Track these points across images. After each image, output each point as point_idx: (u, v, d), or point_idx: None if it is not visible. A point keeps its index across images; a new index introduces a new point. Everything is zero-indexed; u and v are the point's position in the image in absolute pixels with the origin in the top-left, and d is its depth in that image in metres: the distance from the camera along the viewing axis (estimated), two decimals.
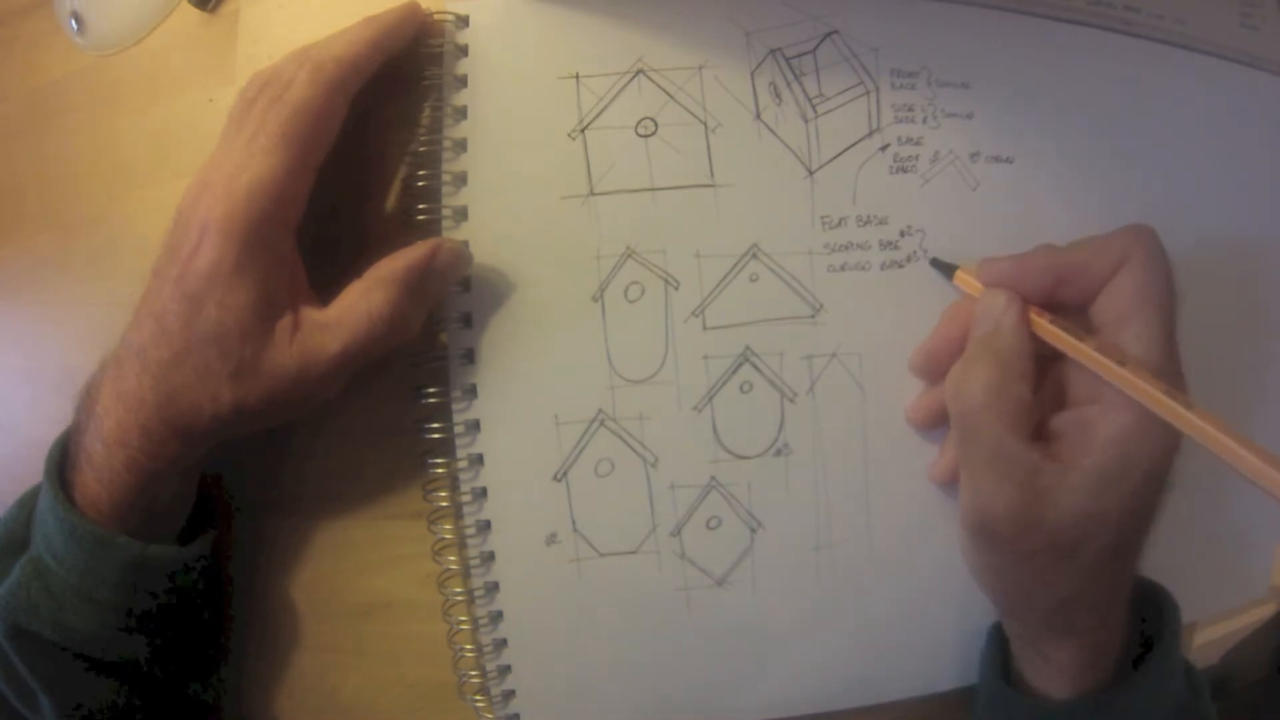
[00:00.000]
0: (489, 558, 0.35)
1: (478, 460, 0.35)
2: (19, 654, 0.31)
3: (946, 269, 0.34)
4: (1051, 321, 0.30)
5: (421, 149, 0.35)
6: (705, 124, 0.34)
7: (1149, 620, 0.33)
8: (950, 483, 0.35)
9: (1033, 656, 0.32)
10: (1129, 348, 0.29)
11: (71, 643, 0.31)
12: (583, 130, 0.34)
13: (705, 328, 0.34)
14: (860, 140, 0.35)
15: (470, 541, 0.35)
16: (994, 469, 0.29)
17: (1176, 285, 0.30)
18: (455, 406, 0.34)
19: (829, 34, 0.35)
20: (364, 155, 0.35)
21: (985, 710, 0.34)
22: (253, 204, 0.29)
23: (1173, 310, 0.30)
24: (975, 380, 0.29)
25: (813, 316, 0.35)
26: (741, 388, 0.35)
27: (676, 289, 0.34)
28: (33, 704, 0.33)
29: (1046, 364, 0.31)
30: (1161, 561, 0.32)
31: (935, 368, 0.33)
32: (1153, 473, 0.29)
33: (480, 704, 0.36)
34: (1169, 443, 0.29)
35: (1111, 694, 0.31)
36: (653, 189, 0.34)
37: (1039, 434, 0.30)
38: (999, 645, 0.34)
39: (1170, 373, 0.29)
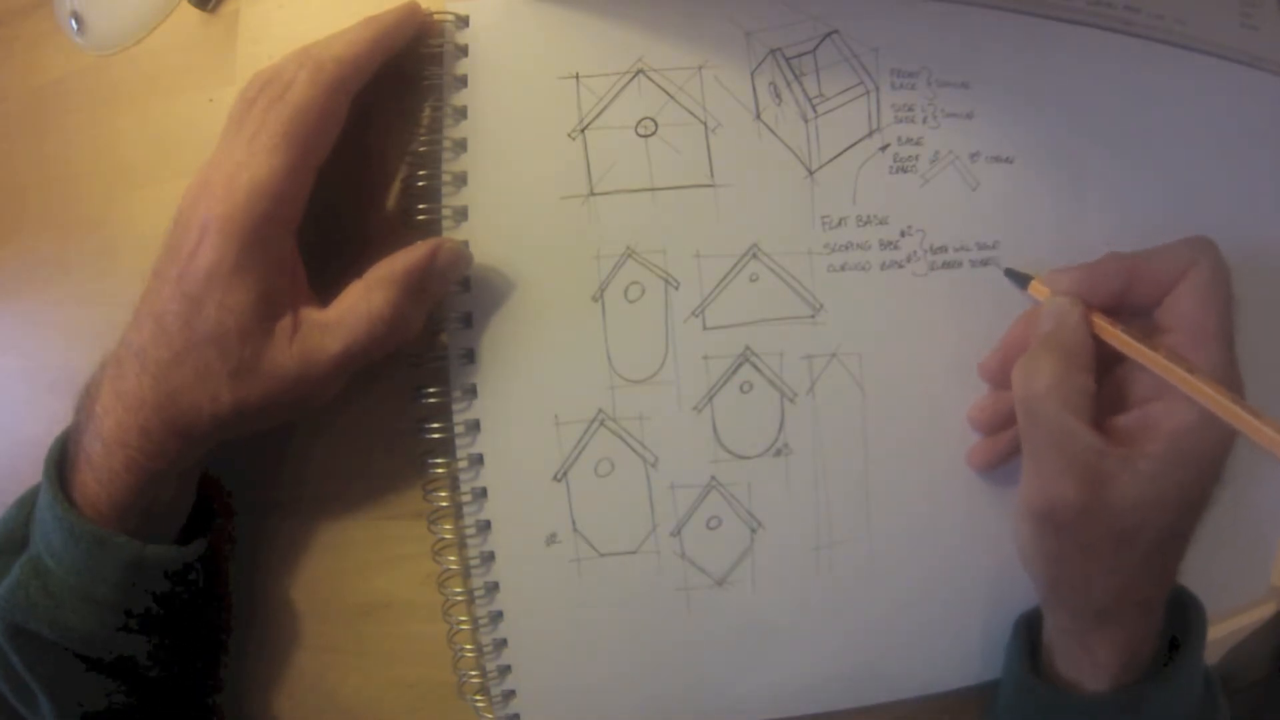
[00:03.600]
0: (489, 558, 0.35)
1: (478, 460, 0.34)
2: (18, 653, 0.31)
3: (1021, 279, 0.34)
4: (1120, 341, 0.31)
5: (421, 149, 0.35)
6: (705, 124, 0.34)
7: (1176, 621, 0.33)
8: (985, 469, 0.35)
9: (1073, 649, 0.32)
10: (1193, 353, 0.30)
11: (70, 642, 0.31)
12: (583, 130, 0.34)
13: (705, 328, 0.34)
14: (860, 140, 0.35)
15: (470, 541, 0.35)
16: (1059, 452, 0.30)
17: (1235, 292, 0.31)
18: (455, 406, 0.34)
19: (829, 34, 0.35)
20: (364, 155, 0.35)
21: (1011, 704, 0.34)
22: (253, 204, 0.29)
23: (1231, 317, 0.31)
24: (1040, 369, 0.30)
25: (813, 316, 0.35)
26: (741, 388, 0.35)
27: (676, 289, 0.34)
28: (31, 703, 0.33)
29: (1109, 368, 0.32)
30: None
31: (1008, 372, 0.33)
32: (1211, 465, 0.30)
33: (480, 704, 0.36)
34: (1227, 439, 0.30)
35: (1144, 688, 0.31)
36: (653, 189, 0.34)
37: (1103, 429, 0.31)
38: (1026, 636, 0.35)
39: (1232, 377, 0.30)
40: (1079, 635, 0.32)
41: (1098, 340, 0.31)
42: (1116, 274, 0.32)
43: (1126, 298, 0.32)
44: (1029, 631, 0.35)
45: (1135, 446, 0.30)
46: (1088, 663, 0.32)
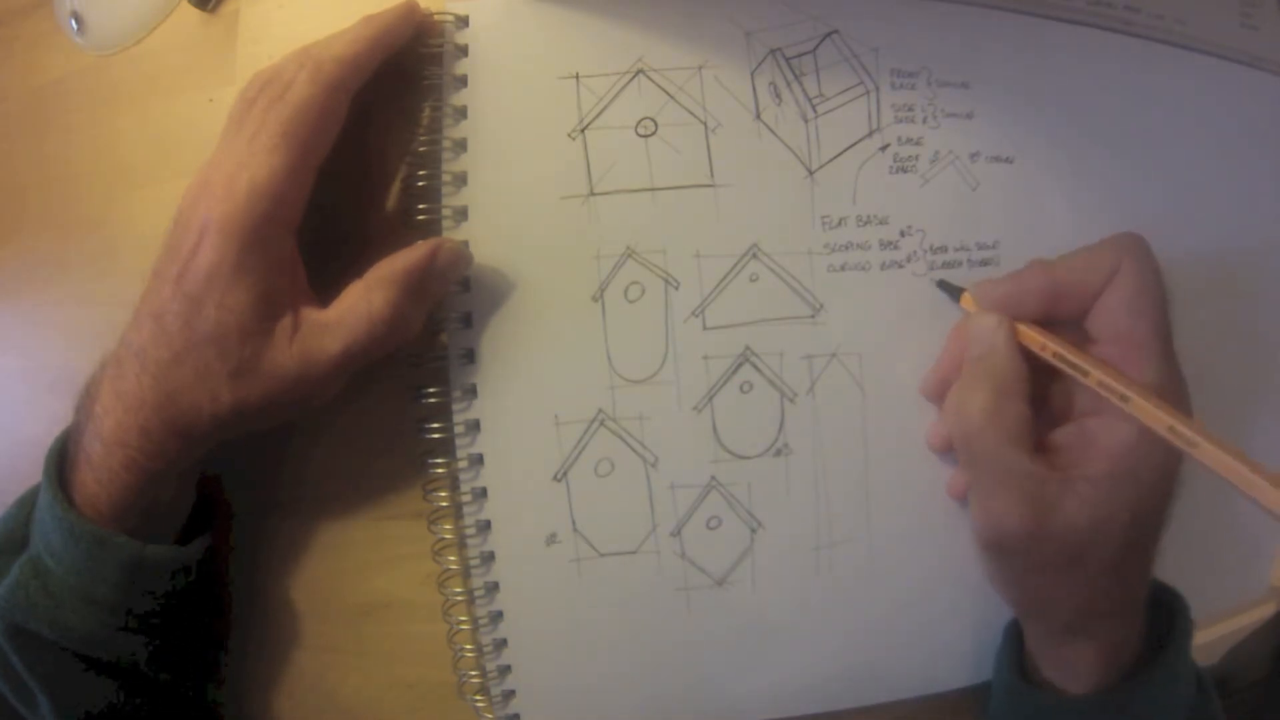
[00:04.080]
0: (489, 558, 0.35)
1: (478, 460, 0.34)
2: (18, 653, 0.31)
3: (953, 291, 0.34)
4: (1055, 356, 0.30)
5: (421, 149, 0.35)
6: (705, 124, 0.34)
7: (1161, 622, 0.33)
8: (965, 498, 0.35)
9: (1051, 658, 0.33)
10: (1127, 363, 0.29)
11: (70, 642, 0.31)
12: (583, 130, 0.34)
13: (705, 328, 0.34)
14: (860, 140, 0.35)
15: (470, 541, 0.35)
16: (1001, 485, 0.30)
17: (1169, 287, 0.30)
18: (455, 406, 0.34)
19: (829, 34, 0.35)
20: (364, 155, 0.35)
21: (1000, 706, 0.34)
22: (253, 204, 0.29)
23: (1166, 316, 0.30)
24: (973, 402, 0.30)
25: (813, 316, 0.35)
26: (741, 388, 0.35)
27: (676, 289, 0.34)
28: (31, 703, 0.33)
29: (1045, 377, 0.32)
30: (1161, 561, 0.32)
31: (947, 390, 0.33)
32: (1157, 480, 0.30)
33: (480, 704, 0.36)
34: (1172, 454, 0.29)
35: (1126, 690, 0.31)
36: (653, 189, 0.34)
37: (1042, 446, 0.31)
38: (1015, 642, 0.35)
39: (1170, 384, 0.29)
40: (1053, 647, 0.32)
41: (1032, 353, 0.31)
42: (1041, 287, 0.31)
43: (1055, 308, 0.31)
44: (1017, 637, 0.35)
45: (1076, 467, 0.29)
46: (1067, 670, 0.32)
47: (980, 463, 0.30)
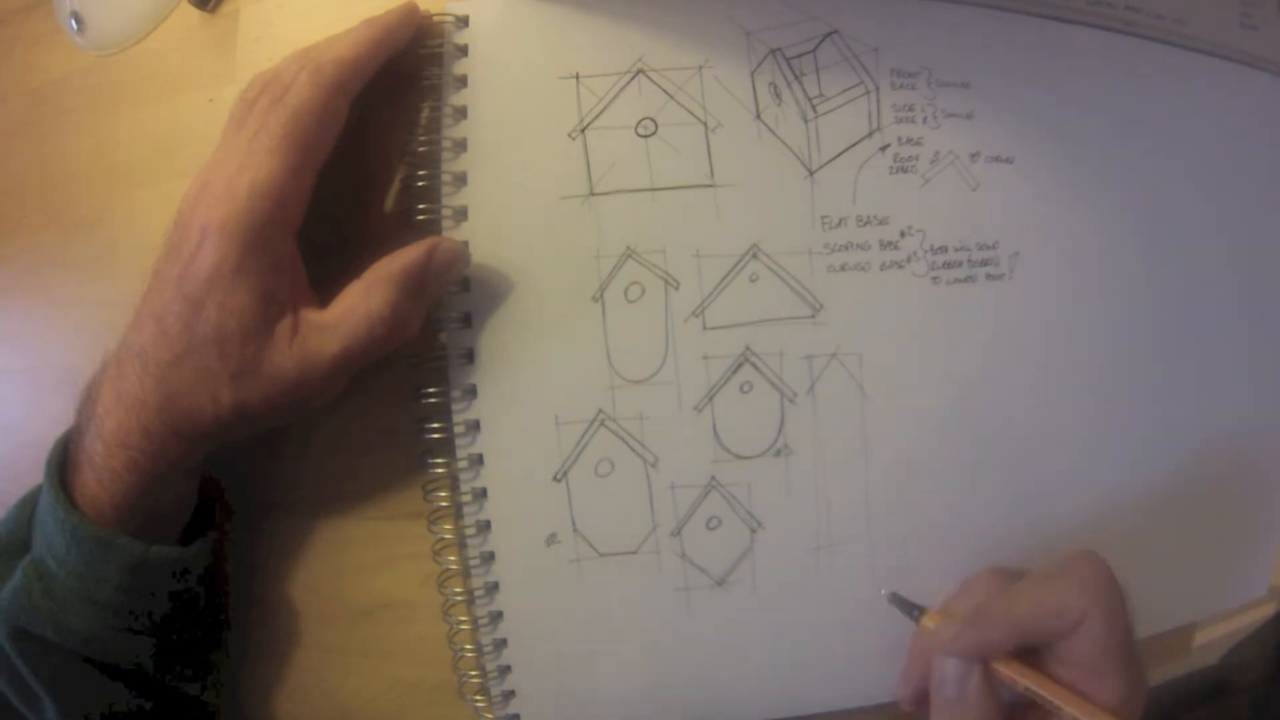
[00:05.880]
0: (489, 558, 0.35)
1: (478, 460, 0.35)
2: (21, 656, 0.31)
3: (909, 608, 0.34)
4: (1026, 690, 0.30)
5: (421, 149, 0.35)
6: (705, 124, 0.34)
7: None
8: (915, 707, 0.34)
9: None
10: (1096, 686, 0.30)
11: (74, 645, 0.31)
12: (583, 130, 0.34)
13: (705, 328, 0.34)
14: (860, 140, 0.35)
15: (470, 541, 0.35)
16: None
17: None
18: (455, 406, 0.34)
19: (829, 34, 0.35)
20: (364, 155, 0.35)
21: None
22: (253, 205, 0.29)
23: (1135, 648, 0.30)
24: None
25: (813, 316, 0.35)
26: (741, 388, 0.35)
27: (676, 289, 0.34)
28: (35, 706, 0.33)
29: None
30: (1162, 561, 0.32)
31: (924, 696, 0.33)
32: None
33: (480, 704, 0.36)
34: None
35: None
36: (653, 189, 0.34)
37: None
38: None
39: (1135, 701, 0.30)
40: None
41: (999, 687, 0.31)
42: (1005, 636, 0.31)
43: (1021, 646, 0.31)
44: None
45: None
46: None
47: None
